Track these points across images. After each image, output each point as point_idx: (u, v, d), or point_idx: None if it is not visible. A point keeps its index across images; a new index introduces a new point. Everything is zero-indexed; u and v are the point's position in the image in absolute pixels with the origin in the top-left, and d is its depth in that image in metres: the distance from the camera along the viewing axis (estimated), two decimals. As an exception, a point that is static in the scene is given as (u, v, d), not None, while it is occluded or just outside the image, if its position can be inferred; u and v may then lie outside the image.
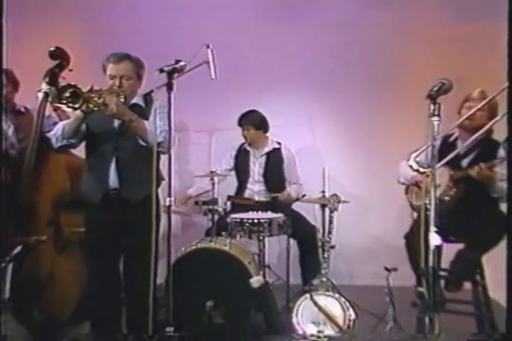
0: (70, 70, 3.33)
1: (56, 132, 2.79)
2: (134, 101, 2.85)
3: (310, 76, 4.69)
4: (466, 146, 3.06)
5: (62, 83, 2.97)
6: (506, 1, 3.93)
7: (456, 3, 4.37)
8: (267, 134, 4.34)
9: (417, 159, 3.15)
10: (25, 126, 3.41)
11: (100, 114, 2.65)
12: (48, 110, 3.38)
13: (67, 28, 4.66)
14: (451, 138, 3.31)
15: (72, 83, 2.60)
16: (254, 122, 4.23)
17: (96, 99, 2.60)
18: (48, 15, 4.63)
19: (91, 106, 2.59)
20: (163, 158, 2.64)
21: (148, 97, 2.89)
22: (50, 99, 3.24)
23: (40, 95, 3.29)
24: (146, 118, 2.78)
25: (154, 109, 2.76)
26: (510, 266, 2.11)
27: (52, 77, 3.30)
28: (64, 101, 2.56)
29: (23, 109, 3.56)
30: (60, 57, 3.34)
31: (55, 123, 3.39)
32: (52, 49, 3.31)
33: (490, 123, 2.81)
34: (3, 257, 2.98)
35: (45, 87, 3.29)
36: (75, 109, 2.59)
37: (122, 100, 2.69)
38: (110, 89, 2.71)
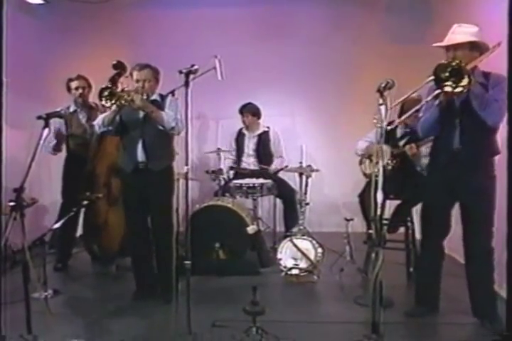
0: (126, 77, 3.37)
1: (98, 122, 2.78)
2: (153, 97, 2.81)
3: (291, 78, 4.62)
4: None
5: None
6: (427, 27, 3.91)
7: (392, 31, 4.44)
8: (259, 121, 4.30)
9: (366, 143, 3.32)
10: (94, 116, 3.38)
11: (129, 108, 2.66)
12: None
13: (117, 49, 4.58)
14: (393, 125, 3.29)
15: (109, 85, 2.61)
16: (251, 111, 4.21)
17: (126, 96, 2.60)
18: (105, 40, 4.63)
19: (122, 102, 2.59)
20: (178, 138, 2.65)
21: (163, 95, 2.87)
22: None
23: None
24: (162, 110, 2.76)
25: (168, 103, 2.81)
26: (511, 265, 1.92)
27: (113, 81, 3.37)
28: (103, 99, 2.59)
29: (93, 105, 3.56)
30: (119, 67, 3.38)
31: None
32: (114, 62, 3.37)
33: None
34: (75, 207, 3.02)
35: None
36: (111, 104, 2.60)
37: (145, 97, 2.70)
38: (136, 89, 2.71)
